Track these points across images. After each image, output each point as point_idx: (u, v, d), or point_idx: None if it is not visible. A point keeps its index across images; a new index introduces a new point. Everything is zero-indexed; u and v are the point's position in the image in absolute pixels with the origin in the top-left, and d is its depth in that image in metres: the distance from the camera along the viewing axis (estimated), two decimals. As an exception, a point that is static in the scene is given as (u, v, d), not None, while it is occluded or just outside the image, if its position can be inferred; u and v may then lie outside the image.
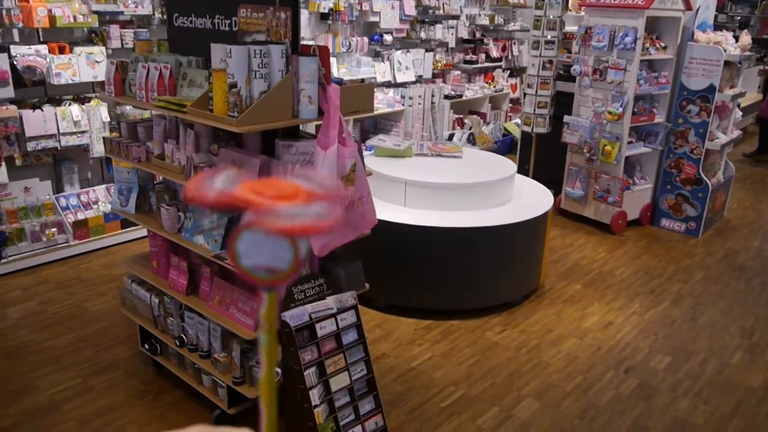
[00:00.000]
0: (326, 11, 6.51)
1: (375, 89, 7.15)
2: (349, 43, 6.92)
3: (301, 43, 2.76)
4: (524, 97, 6.44)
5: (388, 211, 4.06)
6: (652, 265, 5.14)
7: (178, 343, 3.15)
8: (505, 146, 8.43)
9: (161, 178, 3.16)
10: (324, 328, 2.87)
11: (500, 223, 4.07)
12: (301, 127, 3.04)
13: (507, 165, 4.65)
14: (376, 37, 7.18)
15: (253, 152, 2.80)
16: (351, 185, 2.81)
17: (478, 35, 8.67)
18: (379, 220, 3.45)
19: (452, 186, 4.21)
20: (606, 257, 5.26)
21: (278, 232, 1.33)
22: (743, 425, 3.25)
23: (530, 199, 4.54)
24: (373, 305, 4.17)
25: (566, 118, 5.88)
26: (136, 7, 5.07)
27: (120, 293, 3.52)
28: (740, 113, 6.63)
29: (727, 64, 5.56)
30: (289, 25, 2.64)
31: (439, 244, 4.03)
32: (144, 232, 4.79)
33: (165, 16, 3.69)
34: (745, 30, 6.10)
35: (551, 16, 6.03)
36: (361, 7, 6.82)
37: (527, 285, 4.46)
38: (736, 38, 5.89)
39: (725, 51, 5.52)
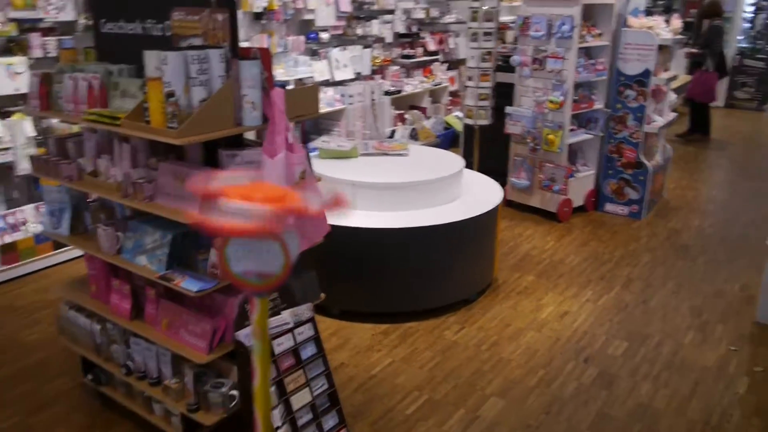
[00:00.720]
0: (260, 11, 6.32)
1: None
2: (285, 42, 6.75)
3: (240, 46, 2.62)
4: (465, 90, 6.42)
5: (342, 216, 3.93)
6: (600, 251, 5.20)
7: (124, 372, 2.96)
8: (447, 140, 8.42)
9: (95, 195, 2.96)
10: (281, 345, 2.74)
11: (451, 220, 4.01)
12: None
13: (454, 160, 4.60)
14: (312, 36, 7.03)
15: (195, 165, 2.65)
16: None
17: (414, 29, 8.62)
18: (329, 225, 3.33)
19: (401, 185, 4.13)
20: (555, 246, 5.29)
21: (259, 233, 1.24)
22: (702, 405, 3.30)
23: (479, 194, 4.51)
24: (327, 313, 4.05)
25: (508, 109, 5.89)
26: (58, 13, 4.79)
27: (57, 321, 3.29)
28: (674, 96, 6.79)
29: (660, 48, 5.67)
30: (227, 28, 2.49)
31: (391, 246, 3.94)
32: (80, 252, 4.54)
33: (91, 22, 3.47)
34: (676, 14, 6.23)
35: (487, 8, 6.01)
36: (295, 5, 6.66)
37: (482, 280, 4.43)
38: (667, 22, 6.01)
39: (658, 35, 5.62)
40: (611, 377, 3.52)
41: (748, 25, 12.89)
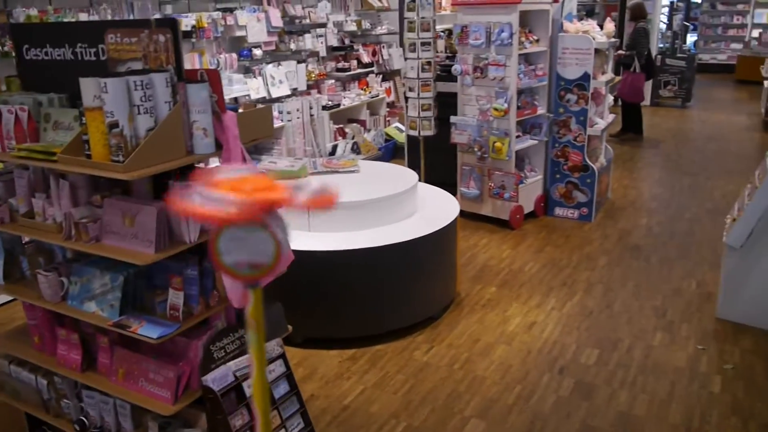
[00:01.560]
0: (188, 29, 6.05)
1: (254, 102, 6.77)
2: (217, 60, 6.50)
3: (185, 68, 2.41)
4: (407, 102, 6.33)
5: (293, 239, 3.72)
6: (557, 257, 5.17)
7: (78, 428, 2.67)
8: (388, 152, 8.32)
9: (29, 238, 2.68)
10: (251, 387, 2.52)
11: (410, 237, 3.87)
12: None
13: (408, 175, 4.47)
14: (244, 53, 6.81)
15: (144, 199, 2.41)
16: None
17: (347, 42, 8.50)
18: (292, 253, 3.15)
19: (356, 204, 3.96)
20: (512, 254, 5.23)
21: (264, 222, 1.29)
22: (682, 408, 3.26)
23: (435, 207, 4.40)
24: (290, 342, 3.83)
25: (453, 119, 5.82)
26: (-30, 40, 4.43)
27: (-6, 378, 2.97)
28: (611, 97, 6.90)
29: (596, 51, 5.73)
30: (170, 49, 2.28)
31: (352, 268, 3.77)
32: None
33: (10, 49, 3.17)
34: (609, 17, 6.34)
35: (424, 18, 5.95)
36: (225, 22, 6.43)
37: (445, 296, 4.31)
38: (600, 26, 6.09)
39: (594, 39, 5.67)
40: (589, 387, 3.45)
41: (664, 26, 13.43)
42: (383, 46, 9.16)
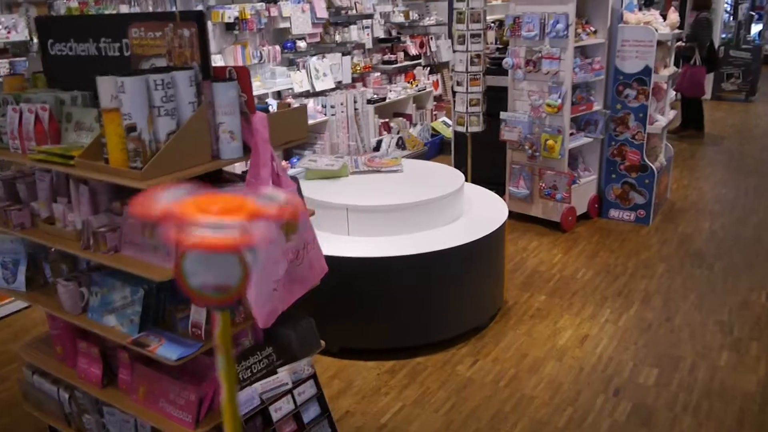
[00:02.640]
0: (231, 20, 5.91)
1: (293, 100, 6.62)
2: (260, 53, 6.35)
3: (213, 65, 2.23)
4: (454, 96, 6.06)
5: (331, 243, 3.55)
6: (611, 263, 4.85)
7: (98, 446, 2.55)
8: (435, 147, 8.07)
9: (53, 243, 2.54)
10: (279, 410, 2.35)
11: (457, 243, 3.63)
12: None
13: (454, 175, 4.23)
14: (288, 45, 6.64)
15: (167, 206, 2.24)
16: (293, 233, 2.30)
17: (394, 33, 8.26)
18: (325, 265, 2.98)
19: (399, 207, 3.75)
20: (563, 259, 4.94)
21: (224, 246, 1.15)
22: (753, 441, 2.96)
23: (483, 210, 4.15)
24: (325, 351, 3.64)
25: (503, 115, 5.53)
26: (9, 32, 4.36)
27: (20, 386, 2.87)
28: (673, 93, 6.50)
29: (659, 43, 5.35)
30: (195, 45, 2.10)
31: (393, 275, 3.56)
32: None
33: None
34: (672, 7, 5.93)
35: (474, 8, 5.66)
36: (269, 13, 6.26)
37: (492, 305, 4.06)
38: (663, 16, 5.70)
39: (656, 30, 5.30)
40: (648, 411, 3.16)
41: (728, 16, 12.75)
42: (431, 38, 8.88)
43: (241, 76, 2.18)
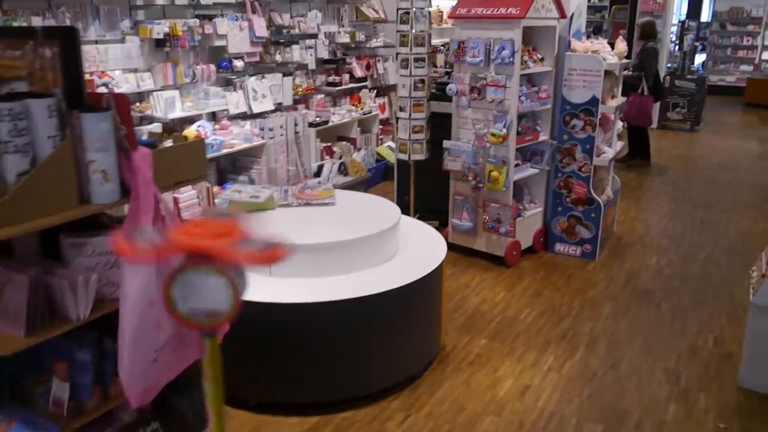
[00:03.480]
0: (161, 37, 5.53)
1: (229, 122, 6.26)
2: (193, 72, 5.98)
3: (95, 90, 1.88)
4: (397, 122, 5.80)
5: (251, 285, 3.19)
6: (556, 302, 4.62)
7: None
8: (379, 173, 7.79)
9: None
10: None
11: (390, 286, 3.32)
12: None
13: (389, 210, 3.93)
14: (224, 64, 6.28)
15: (28, 260, 1.87)
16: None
17: (339, 54, 7.99)
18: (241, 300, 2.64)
19: (327, 246, 3.42)
20: (507, 298, 4.68)
21: (221, 270, 1.29)
22: None
23: (419, 247, 3.86)
24: (242, 406, 3.29)
25: (446, 143, 5.29)
26: None
27: None
28: (621, 124, 6.37)
29: (606, 73, 5.20)
30: (58, 68, 1.75)
31: (318, 321, 3.23)
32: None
33: None
34: (620, 36, 5.81)
35: (418, 31, 5.43)
36: (203, 30, 5.90)
37: (428, 351, 3.76)
38: (611, 45, 5.57)
39: (604, 60, 5.15)
40: (591, 477, 2.90)
41: (673, 46, 12.93)
42: (378, 60, 8.65)
43: (120, 104, 1.84)
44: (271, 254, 1.41)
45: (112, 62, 5.31)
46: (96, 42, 5.22)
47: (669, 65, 12.69)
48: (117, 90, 5.25)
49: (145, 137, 5.42)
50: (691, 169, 8.78)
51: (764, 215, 6.70)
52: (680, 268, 5.28)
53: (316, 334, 3.24)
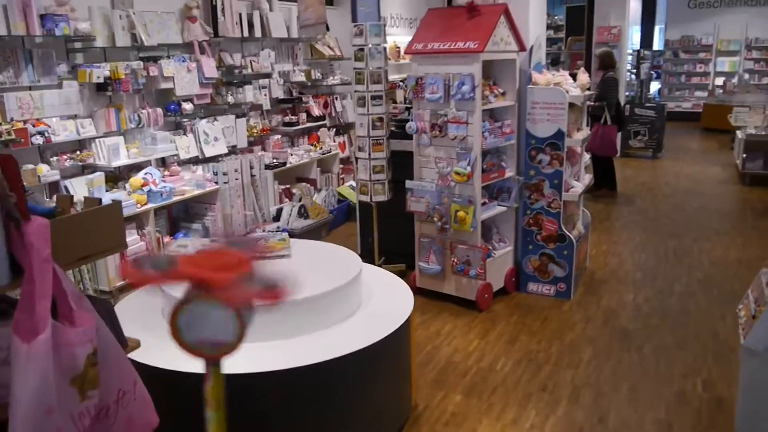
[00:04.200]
0: (101, 81, 5.19)
1: (180, 168, 5.91)
2: (139, 116, 5.64)
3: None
4: (356, 162, 5.53)
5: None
6: (533, 349, 4.33)
7: None
8: (341, 213, 7.49)
9: None
10: None
11: (352, 348, 2.99)
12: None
13: (349, 260, 3.62)
14: (172, 107, 5.96)
15: None
16: (92, 389, 1.60)
17: (295, 93, 7.73)
18: (179, 373, 2.49)
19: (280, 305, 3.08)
20: (480, 346, 4.38)
21: (225, 302, 1.32)
22: None
23: (384, 300, 3.54)
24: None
25: (408, 184, 5.02)
26: None
27: None
28: (587, 156, 6.21)
29: (570, 105, 5.02)
30: None
31: (268, 394, 2.87)
32: None
33: None
34: (582, 68, 5.67)
35: (374, 68, 5.20)
36: (148, 72, 5.58)
37: (399, 413, 3.42)
38: (573, 77, 5.41)
39: (567, 92, 4.97)
40: None
41: (630, 75, 13.03)
42: (336, 97, 8.42)
43: (7, 167, 1.51)
44: (275, 294, 1.45)
45: (49, 109, 4.95)
46: (30, 88, 4.86)
47: (627, 94, 12.77)
48: (54, 138, 4.90)
49: (84, 188, 5.02)
50: (657, 196, 8.68)
51: (734, 243, 6.57)
52: (658, 304, 5.06)
53: (266, 409, 2.88)
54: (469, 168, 4.68)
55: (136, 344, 1.86)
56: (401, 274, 5.62)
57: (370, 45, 5.16)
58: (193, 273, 1.35)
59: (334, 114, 8.36)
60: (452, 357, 4.24)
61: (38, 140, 4.75)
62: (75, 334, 1.54)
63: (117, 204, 1.84)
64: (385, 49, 5.25)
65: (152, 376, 2.39)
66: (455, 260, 4.90)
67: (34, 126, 4.77)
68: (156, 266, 1.42)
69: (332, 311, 3.24)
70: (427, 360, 4.19)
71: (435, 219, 4.89)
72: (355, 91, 5.33)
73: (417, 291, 5.23)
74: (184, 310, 1.35)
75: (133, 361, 1.92)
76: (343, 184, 8.04)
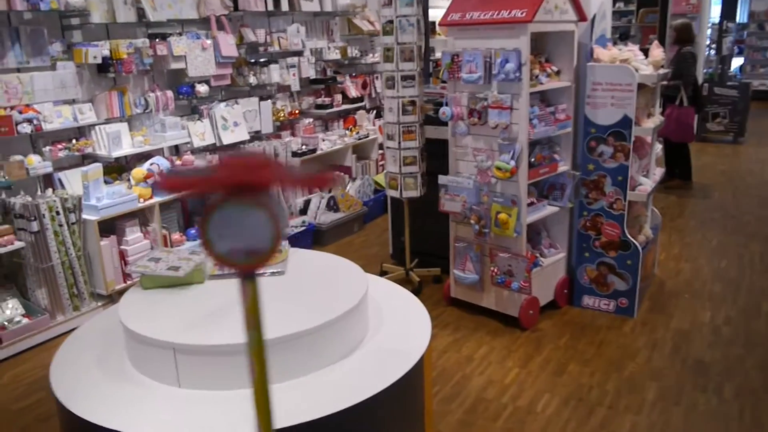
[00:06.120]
0: (99, 61, 4.65)
1: (194, 156, 5.36)
2: (146, 100, 5.09)
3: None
4: (386, 152, 4.84)
5: (152, 402, 2.25)
6: (585, 383, 3.58)
7: None
8: (378, 206, 6.82)
9: None
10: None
11: (351, 401, 2.32)
12: None
13: (354, 279, 2.94)
14: (185, 90, 5.39)
15: None
16: None
17: (329, 73, 7.06)
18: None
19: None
20: (520, 378, 3.65)
21: (261, 205, 1.23)
22: None
23: (395, 329, 2.85)
24: None
25: (442, 179, 4.30)
26: None
27: None
28: (660, 147, 5.32)
29: (640, 87, 4.17)
30: None
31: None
32: None
33: None
34: (655, 42, 4.77)
35: (405, 43, 4.47)
36: (155, 51, 5.02)
37: (406, 479, 2.75)
38: (645, 52, 4.53)
39: (637, 70, 4.12)
40: None
41: (708, 50, 11.79)
42: (376, 77, 7.71)
43: None
44: (321, 178, 1.38)
45: (41, 93, 4.45)
46: (18, 70, 4.36)
47: (705, 71, 11.56)
48: (46, 126, 4.39)
49: (81, 176, 4.44)
50: (739, 188, 7.64)
51: (836, 247, 5.57)
52: (742, 327, 4.20)
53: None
54: (512, 162, 3.93)
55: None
56: (436, 280, 5.00)
57: (398, 16, 4.42)
58: (235, 174, 1.23)
59: (374, 95, 7.66)
60: (484, 392, 3.52)
61: (26, 128, 4.24)
62: None
63: None
64: (417, 21, 4.50)
65: None
66: (495, 270, 4.17)
67: (21, 113, 4.26)
68: (194, 173, 1.31)
69: (328, 348, 2.58)
70: (453, 394, 3.49)
71: (472, 221, 4.16)
72: (384, 71, 4.62)
73: (451, 302, 4.55)
74: (215, 217, 1.22)
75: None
76: (382, 171, 7.35)
